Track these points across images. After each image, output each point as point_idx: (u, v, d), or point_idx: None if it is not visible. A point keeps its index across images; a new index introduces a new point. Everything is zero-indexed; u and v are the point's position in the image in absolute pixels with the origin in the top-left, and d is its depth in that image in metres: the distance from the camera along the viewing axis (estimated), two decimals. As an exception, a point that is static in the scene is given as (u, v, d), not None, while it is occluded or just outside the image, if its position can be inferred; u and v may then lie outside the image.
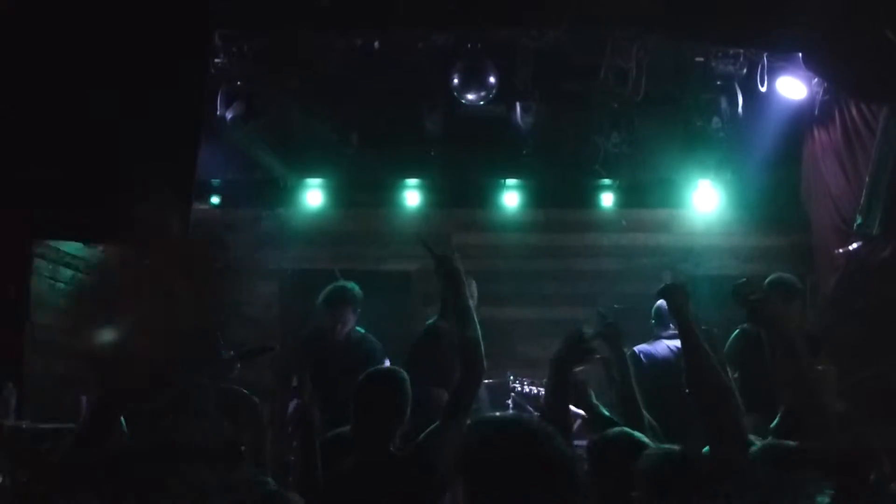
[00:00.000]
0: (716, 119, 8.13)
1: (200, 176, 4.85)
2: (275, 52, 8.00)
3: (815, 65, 6.81)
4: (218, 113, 8.13)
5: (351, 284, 7.55)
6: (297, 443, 6.03)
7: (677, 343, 7.41)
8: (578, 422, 7.97)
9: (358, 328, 7.56)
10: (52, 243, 8.50)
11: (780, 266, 9.06)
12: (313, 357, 7.58)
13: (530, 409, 8.76)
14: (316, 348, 7.58)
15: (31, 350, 7.85)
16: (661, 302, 7.67)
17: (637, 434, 4.12)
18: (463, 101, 8.02)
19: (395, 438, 4.81)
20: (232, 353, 6.52)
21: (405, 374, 4.98)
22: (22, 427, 6.83)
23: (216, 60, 7.76)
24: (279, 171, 10.18)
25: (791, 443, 3.74)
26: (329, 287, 7.54)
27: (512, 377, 8.74)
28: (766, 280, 6.97)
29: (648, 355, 7.40)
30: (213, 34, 7.43)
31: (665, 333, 7.48)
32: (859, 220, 7.32)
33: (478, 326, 4.81)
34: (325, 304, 7.45)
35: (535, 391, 8.46)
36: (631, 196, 10.50)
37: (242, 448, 3.99)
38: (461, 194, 10.78)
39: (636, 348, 7.38)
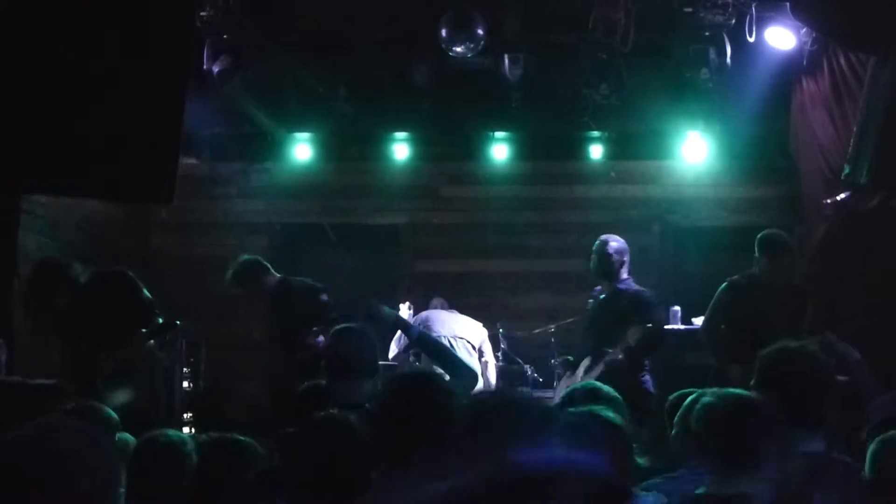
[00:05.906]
0: (704, 70, 8.09)
1: (187, 130, 4.81)
2: (261, 4, 7.94)
3: (803, 13, 6.78)
4: (204, 67, 8.08)
5: (243, 257, 7.97)
6: None
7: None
8: (573, 375, 8.06)
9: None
10: (39, 199, 8.48)
11: (768, 216, 9.10)
12: None
13: (520, 360, 8.83)
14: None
15: (19, 306, 7.84)
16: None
17: None
18: (451, 53, 7.98)
19: (366, 393, 4.84)
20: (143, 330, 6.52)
21: (372, 332, 5.10)
22: (12, 383, 6.84)
23: (202, 13, 7.69)
24: (267, 124, 10.14)
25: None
26: (226, 274, 7.83)
27: (501, 330, 8.79)
28: (757, 237, 7.06)
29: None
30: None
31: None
32: (847, 170, 7.31)
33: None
34: (240, 288, 7.91)
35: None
36: (620, 147, 10.49)
37: None
38: (450, 147, 10.77)
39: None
